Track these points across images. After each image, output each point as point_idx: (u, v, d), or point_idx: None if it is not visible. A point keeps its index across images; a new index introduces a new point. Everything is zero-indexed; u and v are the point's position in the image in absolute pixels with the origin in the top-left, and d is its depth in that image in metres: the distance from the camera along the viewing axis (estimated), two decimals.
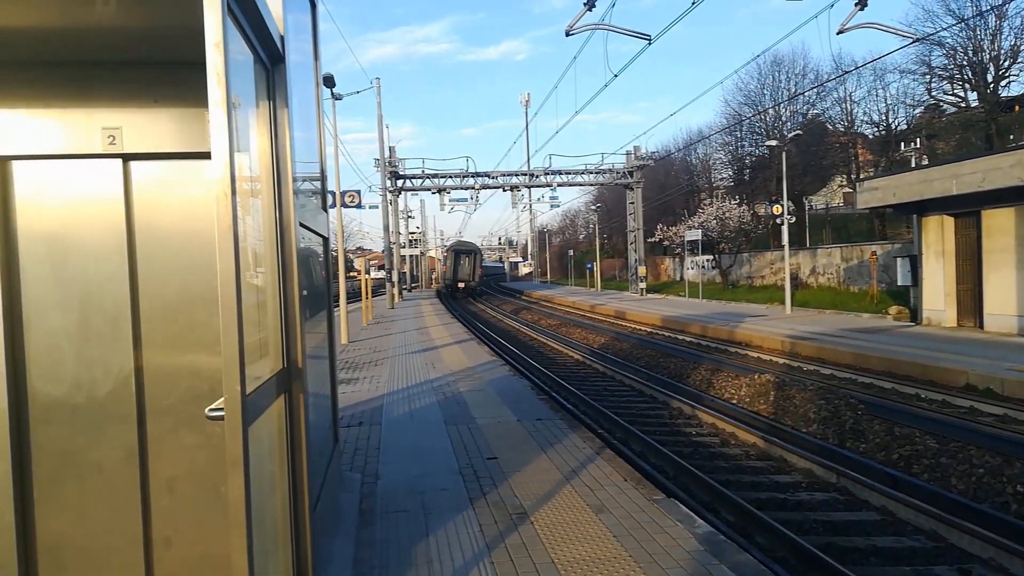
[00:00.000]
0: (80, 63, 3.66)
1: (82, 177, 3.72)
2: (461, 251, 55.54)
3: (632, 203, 47.86)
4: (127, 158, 3.75)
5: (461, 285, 53.14)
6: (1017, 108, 38.68)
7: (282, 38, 3.45)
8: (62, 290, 3.71)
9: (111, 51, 3.63)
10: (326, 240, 5.28)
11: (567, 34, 15.50)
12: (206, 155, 3.69)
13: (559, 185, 47.78)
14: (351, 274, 45.06)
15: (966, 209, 18.41)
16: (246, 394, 2.48)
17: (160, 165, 3.82)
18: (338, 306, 20.03)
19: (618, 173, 47.66)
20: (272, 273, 3.35)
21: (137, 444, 3.72)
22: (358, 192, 22.72)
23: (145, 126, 3.74)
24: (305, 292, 3.81)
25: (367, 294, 28.49)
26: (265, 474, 3.18)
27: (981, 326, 18.15)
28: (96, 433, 3.69)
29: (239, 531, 2.45)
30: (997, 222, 17.58)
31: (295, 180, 3.56)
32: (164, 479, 3.75)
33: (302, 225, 3.79)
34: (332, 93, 19.69)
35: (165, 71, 3.72)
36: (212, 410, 2.53)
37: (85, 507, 3.69)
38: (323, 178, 5.44)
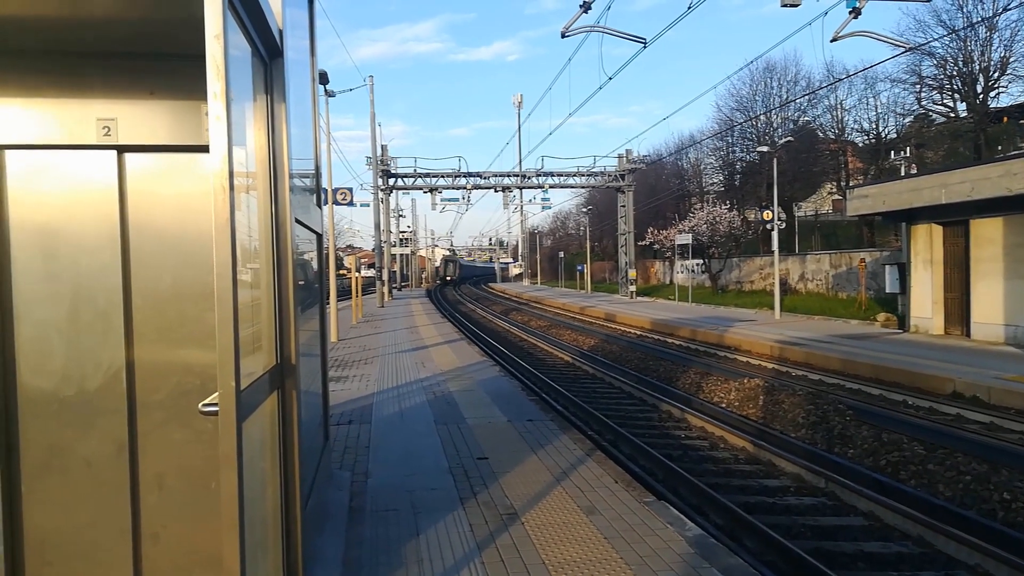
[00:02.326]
0: (76, 53, 3.62)
1: (76, 168, 3.68)
2: (449, 259, 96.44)
3: (623, 206, 47.97)
4: (122, 150, 3.71)
5: (449, 279, 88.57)
6: (1005, 119, 39.01)
7: (280, 32, 3.43)
8: (53, 282, 3.66)
9: (107, 42, 3.59)
10: (320, 236, 5.26)
11: (563, 36, 15.51)
12: (202, 148, 3.67)
13: (551, 187, 47.87)
14: (341, 272, 44.94)
15: (955, 218, 18.54)
16: (240, 390, 2.45)
17: (155, 157, 3.78)
18: (328, 304, 19.96)
19: (609, 176, 47.77)
20: (267, 268, 3.33)
21: (127, 439, 3.68)
22: (350, 190, 22.63)
23: (140, 118, 3.70)
24: (299, 288, 3.78)
25: (357, 292, 28.42)
26: (257, 471, 3.15)
27: (968, 334, 18.27)
28: (85, 427, 3.65)
29: (231, 529, 2.42)
30: (985, 231, 17.72)
31: (291, 176, 3.53)
32: (153, 474, 3.71)
33: (297, 221, 3.77)
34: (326, 90, 19.62)
35: (161, 63, 3.69)
36: (206, 405, 2.50)
37: (73, 502, 3.65)
38: (317, 174, 5.40)
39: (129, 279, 3.72)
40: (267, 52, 3.35)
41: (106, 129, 3.64)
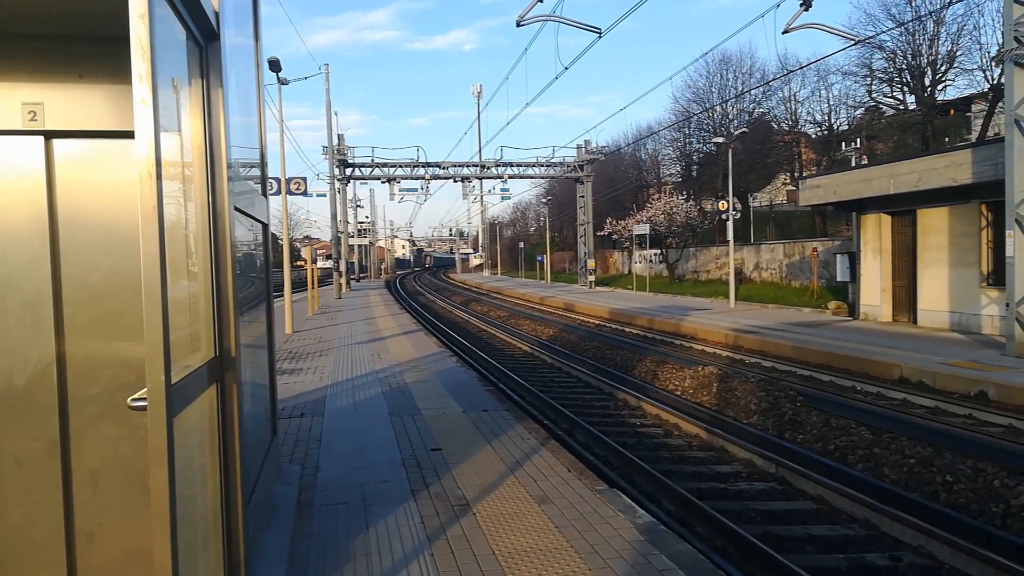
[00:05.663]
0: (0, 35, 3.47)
1: (0, 154, 3.52)
2: (425, 253, 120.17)
3: (582, 197, 48.17)
4: (49, 135, 3.56)
5: (426, 265, 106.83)
6: (952, 112, 40.13)
7: (217, 15, 3.32)
8: None
9: (32, 23, 3.44)
10: (265, 226, 5.14)
11: (518, 24, 15.44)
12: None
13: (510, 177, 47.78)
14: (297, 263, 44.34)
15: (902, 208, 18.98)
16: (171, 383, 2.38)
17: (86, 144, 3.64)
18: (282, 295, 19.66)
19: (569, 167, 47.87)
20: (204, 258, 3.23)
21: (59, 435, 3.55)
22: (304, 179, 22.30)
23: (70, 102, 3.56)
24: (241, 279, 3.69)
25: (313, 284, 28.07)
26: (195, 467, 3.06)
27: (915, 321, 18.76)
28: (14, 424, 3.51)
29: (163, 527, 2.35)
30: (931, 221, 18.18)
31: (230, 164, 3.43)
32: (87, 472, 3.59)
33: (238, 210, 3.67)
34: (278, 78, 19.25)
35: (91, 45, 3.54)
36: (135, 400, 2.42)
37: (3, 502, 3.51)
38: (263, 163, 5.28)
39: (59, 270, 3.58)
40: (202, 35, 3.25)
41: (32, 114, 3.49)
